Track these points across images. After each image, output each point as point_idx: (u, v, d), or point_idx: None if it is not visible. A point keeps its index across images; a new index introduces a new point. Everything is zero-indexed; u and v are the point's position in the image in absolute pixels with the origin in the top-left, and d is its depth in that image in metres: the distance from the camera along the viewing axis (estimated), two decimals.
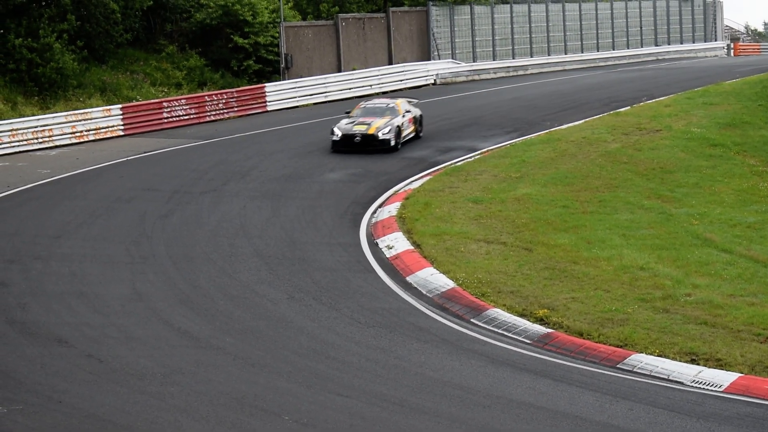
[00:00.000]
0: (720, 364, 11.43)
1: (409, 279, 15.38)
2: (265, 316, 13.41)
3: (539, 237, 16.95)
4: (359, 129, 25.49)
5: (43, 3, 34.00)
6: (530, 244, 16.56)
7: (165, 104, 33.34)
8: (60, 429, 9.58)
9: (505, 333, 12.95)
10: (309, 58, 41.63)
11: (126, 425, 9.63)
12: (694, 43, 57.18)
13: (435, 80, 43.34)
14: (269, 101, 36.54)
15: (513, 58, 48.55)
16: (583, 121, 28.67)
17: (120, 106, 32.28)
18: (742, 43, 68.38)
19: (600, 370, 11.51)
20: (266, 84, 37.50)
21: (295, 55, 40.96)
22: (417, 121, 27.32)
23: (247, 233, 18.04)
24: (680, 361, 11.63)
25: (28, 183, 23.47)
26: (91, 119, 30.95)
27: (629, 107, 30.51)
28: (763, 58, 55.31)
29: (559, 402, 10.39)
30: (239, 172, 23.81)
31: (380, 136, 25.31)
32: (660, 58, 54.02)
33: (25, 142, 29.16)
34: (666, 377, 11.26)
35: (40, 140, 29.52)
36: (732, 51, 63.56)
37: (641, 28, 54.98)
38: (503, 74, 46.51)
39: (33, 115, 30.95)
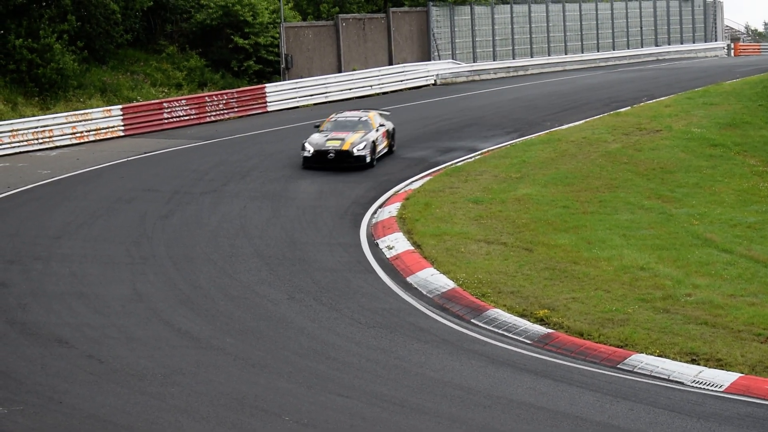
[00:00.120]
0: (720, 364, 11.44)
1: (409, 279, 15.38)
2: (265, 317, 13.41)
3: (539, 237, 16.96)
4: (332, 144, 23.60)
5: (44, 3, 33.99)
6: (530, 244, 16.57)
7: (165, 105, 33.35)
8: (60, 430, 9.58)
9: (506, 333, 12.95)
10: (309, 58, 41.64)
11: (126, 426, 9.63)
12: (694, 43, 57.17)
13: (435, 80, 43.34)
14: (269, 102, 36.55)
15: (513, 59, 48.55)
16: (583, 121, 28.68)
17: (120, 106, 32.29)
18: (742, 44, 68.37)
19: (600, 371, 11.51)
20: (266, 84, 37.51)
21: (295, 56, 40.96)
22: (390, 136, 25.50)
23: (247, 233, 18.04)
24: (681, 361, 11.63)
25: (29, 183, 23.47)
26: (91, 120, 30.95)
27: (629, 107, 30.52)
28: (763, 59, 55.31)
29: (560, 402, 10.39)
30: (239, 172, 23.82)
31: (355, 152, 23.49)
32: (660, 58, 54.01)
33: (25, 143, 29.16)
34: (666, 377, 11.26)
35: (41, 141, 29.52)
36: (732, 51, 63.54)
37: (641, 28, 54.96)
38: (503, 74, 46.51)
39: (33, 115, 30.94)
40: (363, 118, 24.88)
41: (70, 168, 25.55)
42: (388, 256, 16.64)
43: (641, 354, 11.87)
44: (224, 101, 34.90)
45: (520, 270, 15.23)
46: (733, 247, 16.33)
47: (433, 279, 15.15)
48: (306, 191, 21.61)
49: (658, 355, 11.80)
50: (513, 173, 21.92)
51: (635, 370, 11.53)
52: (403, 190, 21.47)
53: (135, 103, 33.68)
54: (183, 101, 33.85)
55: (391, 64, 43.85)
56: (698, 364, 11.51)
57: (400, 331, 12.81)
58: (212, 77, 39.50)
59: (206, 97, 34.70)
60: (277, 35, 40.75)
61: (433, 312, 13.82)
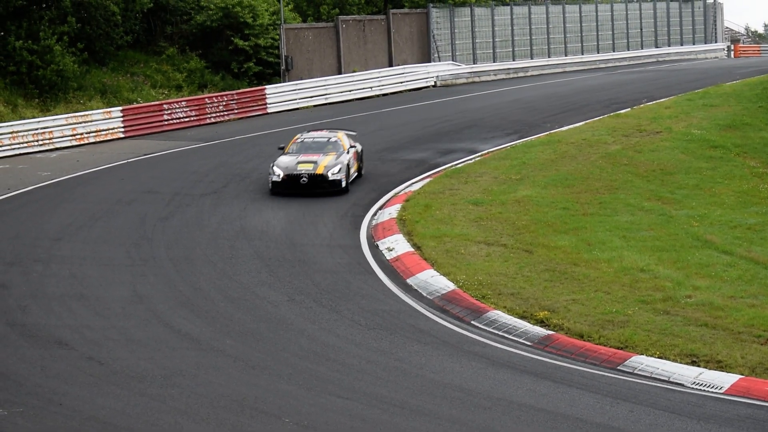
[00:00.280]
0: (720, 366, 11.43)
1: (409, 281, 15.38)
2: (265, 318, 13.41)
3: (539, 239, 16.96)
4: (305, 168, 21.26)
5: (44, 5, 34.01)
6: (530, 245, 16.57)
7: (165, 106, 33.37)
8: (60, 431, 9.58)
9: (506, 335, 12.95)
10: (309, 60, 41.65)
11: (126, 427, 9.63)
12: (694, 44, 57.18)
13: (435, 82, 43.36)
14: (269, 103, 36.57)
15: (513, 60, 48.57)
16: (583, 122, 28.68)
17: (120, 108, 32.32)
18: (742, 45, 68.40)
19: (600, 372, 11.51)
20: (266, 86, 37.53)
21: (295, 57, 40.97)
22: (359, 158, 23.23)
23: (247, 235, 18.04)
24: (681, 362, 11.63)
25: (29, 185, 23.47)
26: (91, 121, 30.98)
27: (629, 109, 30.53)
28: (763, 60, 55.30)
29: (560, 404, 10.39)
30: (239, 174, 23.82)
31: (330, 176, 21.22)
32: (660, 59, 54.03)
33: (25, 145, 29.18)
34: (666, 379, 11.26)
35: (41, 142, 29.53)
36: (732, 52, 63.55)
37: (641, 29, 54.98)
38: (503, 76, 46.52)
39: (33, 117, 30.97)
40: (332, 139, 22.67)
41: (70, 170, 25.56)
42: (388, 258, 16.64)
43: (641, 356, 11.87)
44: (224, 103, 34.93)
45: (520, 272, 15.23)
46: (733, 248, 16.33)
47: (433, 281, 15.15)
48: (306, 192, 21.58)
49: (659, 357, 11.79)
50: (513, 175, 21.92)
51: (635, 371, 11.52)
52: (403, 192, 21.47)
53: (135, 105, 33.70)
54: (183, 103, 33.87)
55: (391, 65, 43.87)
56: (698, 366, 11.51)
57: (400, 333, 12.81)
58: (212, 79, 39.51)
59: (206, 99, 34.72)
60: (277, 37, 40.77)
61: (433, 314, 13.82)
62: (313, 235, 18.10)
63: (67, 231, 18.52)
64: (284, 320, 13.33)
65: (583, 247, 16.38)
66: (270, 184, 21.40)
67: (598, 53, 52.38)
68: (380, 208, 20.22)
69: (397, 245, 17.13)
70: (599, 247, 16.33)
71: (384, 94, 40.26)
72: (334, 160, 21.67)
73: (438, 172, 23.33)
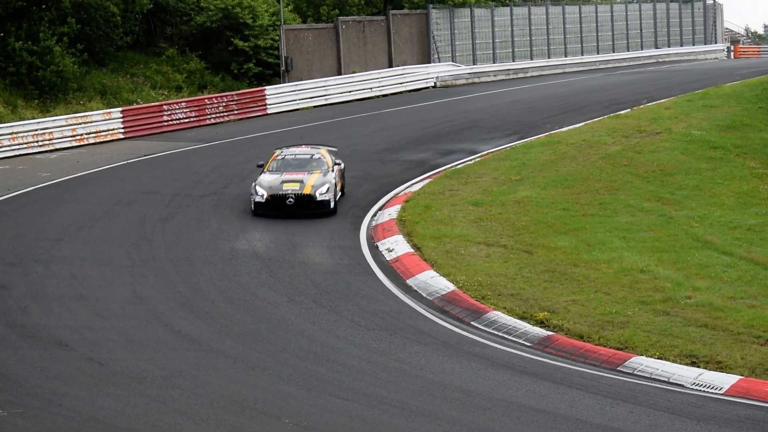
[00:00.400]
0: (720, 367, 11.44)
1: (409, 282, 15.38)
2: (265, 319, 13.42)
3: (539, 240, 16.96)
4: (291, 188, 19.60)
5: (44, 6, 34.01)
6: (530, 246, 16.57)
7: (165, 107, 33.36)
8: None
9: (506, 336, 12.96)
10: (309, 61, 41.65)
11: (126, 428, 9.63)
12: (694, 45, 57.18)
13: (435, 83, 43.35)
14: (269, 104, 36.56)
15: (513, 61, 48.55)
16: (583, 123, 28.68)
17: (120, 109, 32.31)
18: (742, 46, 68.40)
19: (600, 373, 11.51)
20: (266, 87, 37.52)
21: (295, 58, 40.98)
22: (342, 176, 21.53)
23: (247, 236, 18.05)
24: (681, 363, 11.63)
25: (29, 186, 23.47)
26: (91, 122, 30.96)
27: (629, 110, 30.53)
28: (763, 61, 55.29)
29: (560, 405, 10.39)
30: (239, 174, 23.82)
31: (318, 196, 19.56)
32: (660, 60, 54.02)
33: (25, 146, 29.18)
34: (666, 380, 11.26)
35: (41, 143, 29.53)
36: (732, 53, 63.56)
37: (641, 30, 54.95)
38: (503, 77, 46.51)
39: (33, 118, 30.97)
40: (315, 156, 20.97)
41: (69, 170, 25.55)
42: (388, 259, 16.64)
43: (641, 356, 11.87)
44: (224, 104, 34.93)
45: (520, 272, 15.23)
46: (733, 249, 16.34)
47: (432, 281, 15.15)
48: None
49: (658, 358, 11.80)
50: (513, 176, 21.93)
51: (635, 372, 11.52)
52: (402, 193, 21.47)
53: (135, 106, 33.69)
54: (183, 104, 33.87)
55: (390, 66, 43.86)
56: (698, 367, 11.51)
57: (400, 334, 12.81)
58: (212, 80, 39.51)
59: (206, 100, 34.72)
60: (277, 38, 40.77)
61: (433, 314, 13.82)
62: (313, 235, 18.10)
63: (67, 232, 18.52)
64: (284, 321, 13.33)
65: (582, 247, 16.39)
66: (252, 205, 19.75)
67: (598, 54, 52.37)
68: (380, 209, 20.22)
69: (397, 246, 17.13)
70: (599, 247, 16.33)
71: (384, 95, 40.26)
72: (321, 178, 19.97)
73: (438, 172, 23.34)
